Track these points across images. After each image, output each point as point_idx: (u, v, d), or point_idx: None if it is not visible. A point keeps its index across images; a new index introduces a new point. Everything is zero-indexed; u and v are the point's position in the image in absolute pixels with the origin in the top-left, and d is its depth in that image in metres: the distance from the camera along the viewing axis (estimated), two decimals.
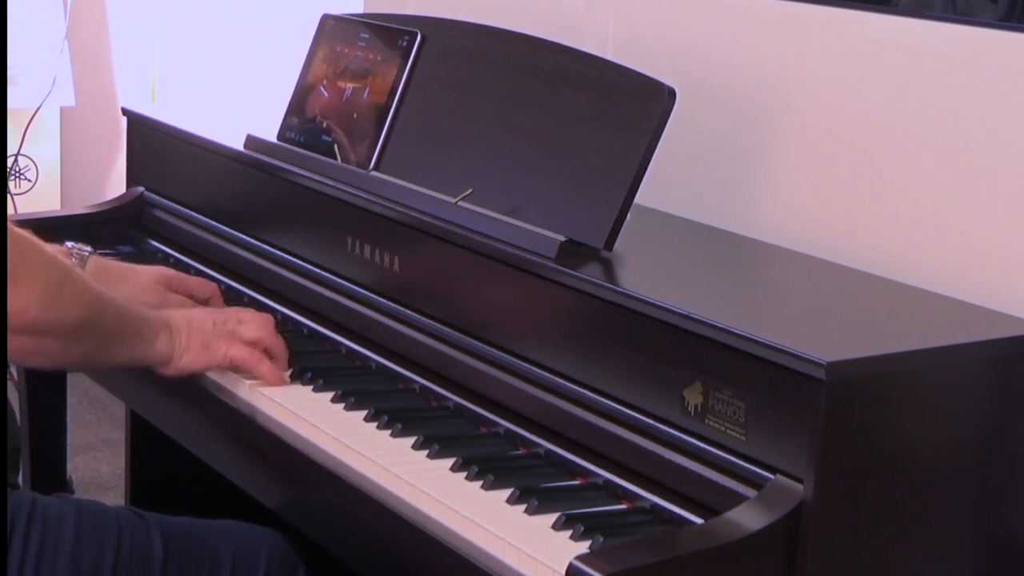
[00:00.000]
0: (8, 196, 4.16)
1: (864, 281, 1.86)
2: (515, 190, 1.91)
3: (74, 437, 3.57)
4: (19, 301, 1.63)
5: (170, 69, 4.00)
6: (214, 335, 1.90)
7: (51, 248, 1.75)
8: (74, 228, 2.14)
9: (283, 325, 2.15)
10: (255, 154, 2.29)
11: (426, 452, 1.74)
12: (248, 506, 1.96)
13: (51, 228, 2.26)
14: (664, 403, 1.63)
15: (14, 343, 1.66)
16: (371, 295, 2.05)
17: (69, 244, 2.09)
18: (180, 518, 1.85)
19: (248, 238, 2.32)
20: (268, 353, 1.93)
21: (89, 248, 2.09)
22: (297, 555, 1.89)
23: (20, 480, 2.33)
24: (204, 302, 2.12)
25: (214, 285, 2.16)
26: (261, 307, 2.19)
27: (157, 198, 2.52)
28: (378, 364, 1.99)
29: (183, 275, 2.15)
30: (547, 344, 1.79)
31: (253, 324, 1.94)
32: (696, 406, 1.59)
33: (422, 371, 1.94)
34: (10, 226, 1.63)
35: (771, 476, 1.51)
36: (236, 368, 1.92)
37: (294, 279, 2.20)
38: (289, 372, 1.95)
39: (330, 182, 2.13)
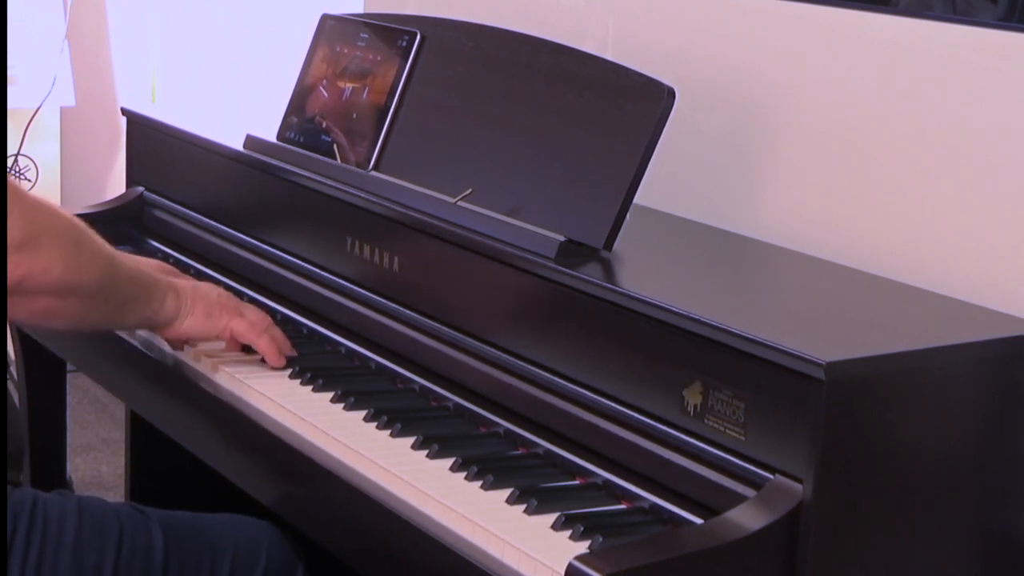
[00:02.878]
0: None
1: (864, 281, 1.86)
2: (515, 190, 1.91)
3: (74, 437, 3.57)
4: (44, 261, 1.63)
5: (170, 69, 4.00)
6: (217, 305, 1.93)
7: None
8: None
9: (283, 325, 2.15)
10: (255, 154, 2.28)
11: (426, 452, 1.74)
12: (248, 506, 1.96)
13: None
14: (664, 403, 1.63)
15: (39, 304, 1.67)
16: (371, 295, 2.05)
17: None
18: (180, 512, 1.85)
19: (248, 238, 2.32)
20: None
21: None
22: (296, 551, 1.89)
23: (21, 478, 2.33)
24: None
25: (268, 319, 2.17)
26: (261, 307, 2.19)
27: (157, 198, 2.52)
28: (378, 364, 1.99)
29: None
30: (547, 344, 1.79)
31: (254, 309, 1.98)
32: (696, 406, 1.59)
33: (422, 371, 1.94)
34: (22, 189, 1.63)
35: (771, 476, 1.51)
36: (234, 344, 1.97)
37: (294, 279, 2.20)
38: (289, 371, 1.96)
39: (330, 182, 2.13)
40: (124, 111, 2.61)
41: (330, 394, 1.89)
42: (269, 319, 2.00)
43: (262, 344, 1.95)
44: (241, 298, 2.23)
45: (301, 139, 2.24)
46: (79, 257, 1.69)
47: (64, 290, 1.69)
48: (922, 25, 1.91)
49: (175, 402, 2.05)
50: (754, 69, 2.12)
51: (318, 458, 1.77)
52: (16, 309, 1.65)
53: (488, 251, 1.86)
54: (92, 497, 1.81)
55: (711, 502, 1.56)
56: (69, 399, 2.56)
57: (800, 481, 1.48)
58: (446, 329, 1.92)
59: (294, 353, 1.99)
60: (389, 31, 2.18)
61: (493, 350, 1.85)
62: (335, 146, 2.18)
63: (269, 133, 2.29)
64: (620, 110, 1.84)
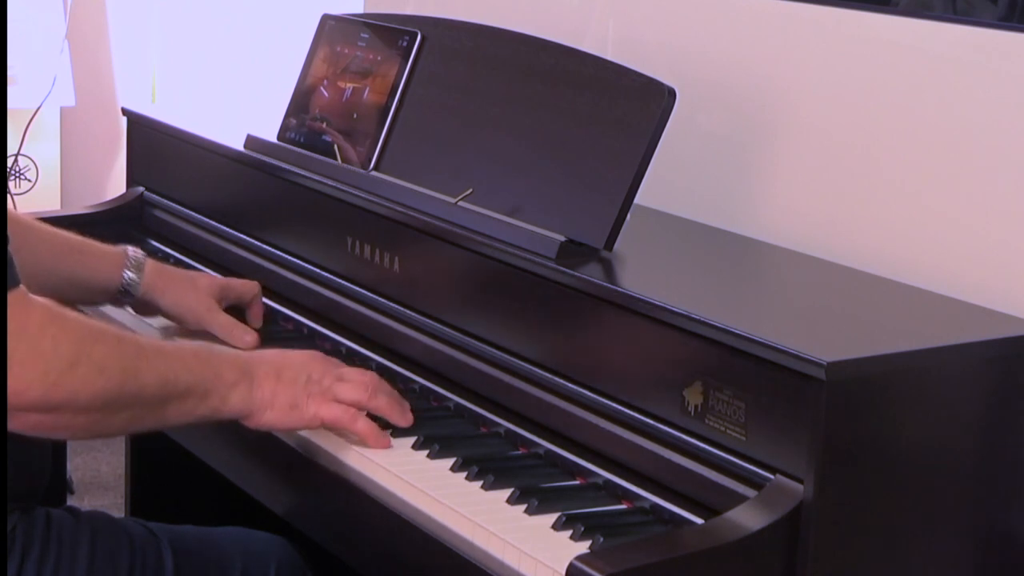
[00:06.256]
0: (8, 196, 4.16)
1: (864, 281, 1.86)
2: (515, 190, 1.91)
3: None
4: (17, 382, 1.50)
5: (170, 69, 4.00)
6: (305, 393, 1.73)
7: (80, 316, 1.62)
8: (74, 228, 2.14)
9: (283, 324, 2.15)
10: (255, 154, 2.28)
11: (426, 452, 1.74)
12: (248, 505, 1.96)
13: None
14: (664, 403, 1.63)
15: (27, 419, 1.55)
16: (371, 295, 2.05)
17: (122, 246, 2.09)
18: (188, 527, 1.84)
19: (248, 238, 2.32)
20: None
21: (143, 252, 2.10)
22: (304, 562, 1.89)
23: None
24: (249, 303, 2.12)
25: (256, 284, 2.14)
26: (264, 309, 2.19)
27: (157, 198, 2.52)
28: (379, 364, 1.99)
29: (232, 284, 2.12)
30: (548, 344, 1.79)
31: (352, 385, 1.76)
32: (696, 406, 1.59)
33: (422, 371, 1.94)
34: (23, 294, 1.54)
35: (771, 476, 1.51)
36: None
37: (294, 279, 2.20)
38: (414, 440, 1.76)
39: (330, 182, 2.13)
40: (124, 111, 2.61)
41: None
42: (371, 386, 1.77)
43: (358, 429, 1.74)
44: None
45: (302, 139, 2.24)
46: (71, 376, 1.54)
47: (50, 408, 1.55)
48: (922, 25, 1.91)
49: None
50: (754, 69, 2.12)
51: (318, 458, 1.77)
52: (10, 424, 1.55)
53: (488, 251, 1.86)
54: (100, 513, 1.79)
55: (712, 502, 1.56)
56: None
57: (801, 481, 1.48)
58: (446, 329, 1.92)
59: (409, 419, 1.79)
60: (389, 31, 2.18)
61: (493, 350, 1.85)
62: (335, 146, 2.18)
63: (269, 133, 2.29)
64: (620, 110, 1.84)
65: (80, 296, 2.06)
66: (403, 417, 1.78)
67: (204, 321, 2.06)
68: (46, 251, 1.98)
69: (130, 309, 2.12)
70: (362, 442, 1.75)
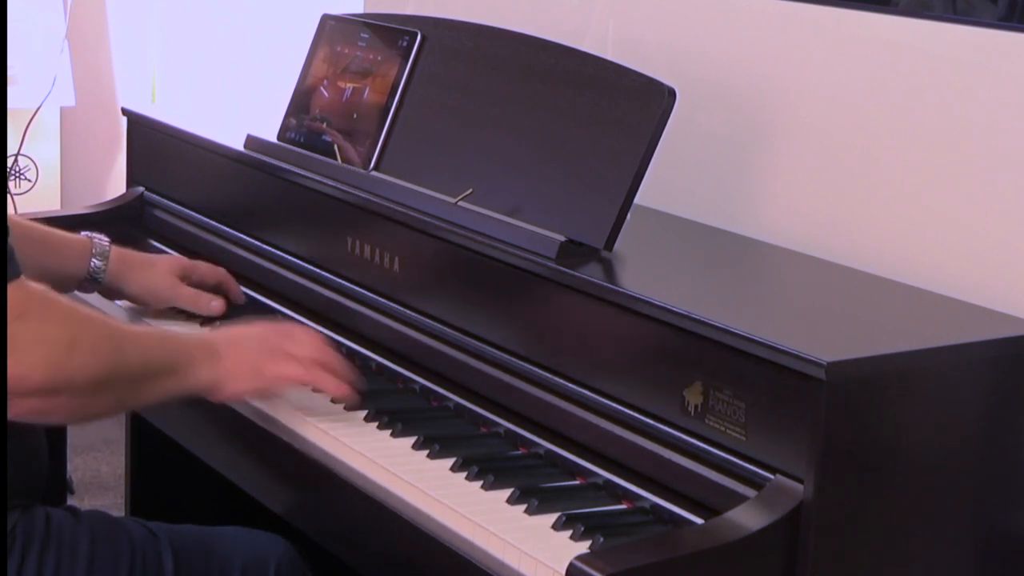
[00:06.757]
0: (8, 196, 4.16)
1: (864, 281, 1.86)
2: (515, 190, 1.91)
3: (74, 437, 3.55)
4: (20, 367, 1.54)
5: (170, 69, 4.00)
6: (260, 356, 1.79)
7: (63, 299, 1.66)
8: (74, 228, 2.14)
9: None
10: (255, 154, 2.28)
11: (426, 452, 1.74)
12: (248, 505, 1.96)
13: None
14: (664, 403, 1.63)
15: (24, 405, 1.57)
16: (371, 295, 2.06)
17: (86, 234, 2.13)
18: (188, 527, 1.85)
19: (248, 238, 2.32)
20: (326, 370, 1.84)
21: (107, 239, 2.13)
22: (304, 562, 1.89)
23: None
24: (215, 287, 2.17)
25: (222, 270, 2.20)
26: (261, 307, 2.19)
27: (157, 198, 2.52)
28: (379, 364, 1.99)
29: (194, 263, 2.19)
30: (547, 344, 1.79)
31: (304, 343, 1.84)
32: (696, 406, 1.59)
33: (422, 371, 1.94)
34: (23, 283, 1.57)
35: (771, 476, 1.51)
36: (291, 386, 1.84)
37: (294, 279, 2.20)
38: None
39: (330, 182, 2.13)
40: (124, 111, 2.61)
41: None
42: (319, 343, 1.85)
43: (322, 382, 1.82)
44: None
45: (302, 139, 2.24)
46: (68, 359, 1.59)
47: (49, 392, 1.59)
48: (922, 25, 1.91)
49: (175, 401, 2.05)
50: (754, 69, 2.12)
51: (318, 458, 1.77)
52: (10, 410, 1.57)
53: (488, 251, 1.86)
54: (100, 513, 1.80)
55: (712, 502, 1.56)
56: None
57: (800, 481, 1.48)
58: (446, 329, 1.92)
59: (350, 391, 1.84)
60: (389, 31, 2.18)
61: (493, 350, 1.85)
62: (335, 146, 2.18)
63: (269, 133, 2.29)
64: (620, 110, 1.84)
65: (48, 286, 2.07)
66: (344, 386, 1.83)
67: (169, 299, 2.13)
68: (15, 243, 1.98)
69: (96, 294, 2.15)
70: (323, 390, 1.83)
